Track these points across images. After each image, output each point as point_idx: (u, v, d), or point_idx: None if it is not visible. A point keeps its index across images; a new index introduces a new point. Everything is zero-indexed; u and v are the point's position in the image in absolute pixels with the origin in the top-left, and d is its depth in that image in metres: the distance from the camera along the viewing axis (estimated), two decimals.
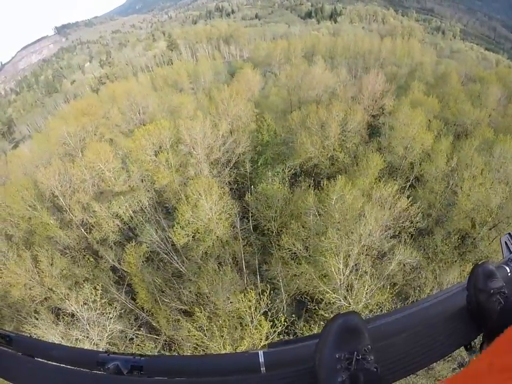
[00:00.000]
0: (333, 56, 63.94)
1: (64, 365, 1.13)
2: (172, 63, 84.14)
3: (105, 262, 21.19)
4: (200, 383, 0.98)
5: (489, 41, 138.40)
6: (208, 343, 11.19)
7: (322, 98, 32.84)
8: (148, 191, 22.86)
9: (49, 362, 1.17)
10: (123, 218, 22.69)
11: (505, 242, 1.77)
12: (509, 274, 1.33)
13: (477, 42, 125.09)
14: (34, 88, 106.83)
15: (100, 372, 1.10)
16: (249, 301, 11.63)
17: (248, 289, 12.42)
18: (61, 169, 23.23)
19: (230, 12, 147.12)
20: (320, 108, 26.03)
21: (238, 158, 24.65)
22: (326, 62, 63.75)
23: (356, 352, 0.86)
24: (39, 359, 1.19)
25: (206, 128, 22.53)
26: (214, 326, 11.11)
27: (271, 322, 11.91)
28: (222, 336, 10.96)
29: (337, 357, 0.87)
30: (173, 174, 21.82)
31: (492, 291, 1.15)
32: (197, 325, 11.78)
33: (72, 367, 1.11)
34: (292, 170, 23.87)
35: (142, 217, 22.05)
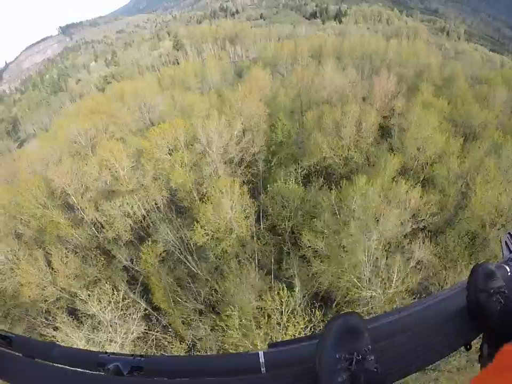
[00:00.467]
0: (339, 57, 64.01)
1: (64, 366, 1.13)
2: (178, 63, 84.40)
3: (118, 262, 21.21)
4: None
5: (494, 42, 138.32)
6: (237, 342, 11.23)
7: (334, 99, 32.82)
8: (162, 189, 22.88)
9: (49, 363, 1.17)
10: (136, 217, 22.73)
11: (506, 241, 1.75)
12: (509, 274, 1.33)
13: (481, 43, 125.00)
14: (40, 87, 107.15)
15: (100, 373, 1.10)
16: (278, 299, 11.71)
17: (274, 288, 12.47)
18: (72, 167, 23.22)
19: (235, 12, 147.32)
20: (334, 108, 26.09)
21: (252, 157, 24.66)
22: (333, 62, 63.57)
23: (356, 353, 0.87)
24: (39, 360, 1.19)
25: (221, 127, 22.53)
26: (243, 324, 11.15)
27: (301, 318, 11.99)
28: (255, 334, 11.01)
29: (337, 357, 0.87)
30: (188, 173, 21.86)
31: (492, 291, 1.15)
32: (227, 323, 11.82)
33: (72, 368, 1.11)
34: (305, 170, 23.90)
35: (156, 216, 22.09)
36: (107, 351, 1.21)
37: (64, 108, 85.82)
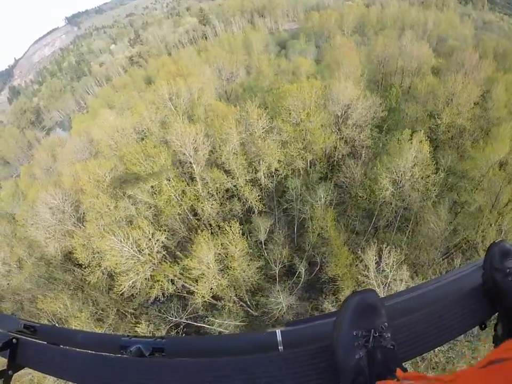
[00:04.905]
0: (382, 28, 63.02)
1: (88, 351, 1.17)
2: (206, 38, 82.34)
3: None
4: (219, 362, 0.99)
5: None
6: None
7: (419, 69, 32.89)
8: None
9: (73, 349, 1.22)
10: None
11: None
12: None
13: (504, 12, 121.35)
14: (58, 75, 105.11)
15: (122, 356, 1.14)
16: None
17: None
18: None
19: None
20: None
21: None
22: (376, 34, 62.78)
23: (373, 330, 0.88)
24: (63, 347, 1.24)
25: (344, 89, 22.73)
26: None
27: None
28: None
29: (354, 334, 0.89)
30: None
31: (508, 270, 1.12)
32: None
33: (95, 353, 1.14)
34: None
35: None
36: (129, 334, 1.27)
37: (92, 91, 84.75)
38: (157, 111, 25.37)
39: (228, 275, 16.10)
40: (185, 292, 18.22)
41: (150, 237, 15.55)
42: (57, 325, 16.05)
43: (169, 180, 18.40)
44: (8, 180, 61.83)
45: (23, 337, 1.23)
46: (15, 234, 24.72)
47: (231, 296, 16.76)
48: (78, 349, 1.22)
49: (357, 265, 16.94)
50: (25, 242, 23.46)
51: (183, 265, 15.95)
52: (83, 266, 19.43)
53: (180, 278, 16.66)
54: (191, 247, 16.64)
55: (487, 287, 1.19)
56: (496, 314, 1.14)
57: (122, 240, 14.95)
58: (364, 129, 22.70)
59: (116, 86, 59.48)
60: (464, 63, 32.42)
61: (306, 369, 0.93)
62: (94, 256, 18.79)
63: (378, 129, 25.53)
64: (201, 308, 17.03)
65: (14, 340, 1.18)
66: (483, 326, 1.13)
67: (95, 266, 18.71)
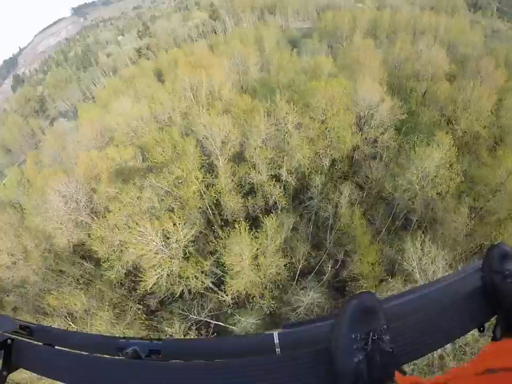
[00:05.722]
0: (394, 31, 63.10)
1: (84, 352, 1.15)
2: (216, 33, 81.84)
3: None
4: (216, 365, 0.99)
5: None
6: None
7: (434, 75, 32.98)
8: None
9: (69, 350, 1.20)
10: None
11: None
12: None
13: None
14: (64, 65, 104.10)
15: (119, 357, 1.13)
16: None
17: None
18: None
19: None
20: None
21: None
22: (388, 37, 62.84)
23: (371, 333, 0.87)
24: (59, 348, 1.22)
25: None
26: None
27: None
28: None
29: (353, 337, 0.88)
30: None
31: (507, 272, 1.12)
32: None
33: (91, 354, 1.14)
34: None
35: None
36: (125, 336, 1.26)
37: (99, 81, 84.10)
38: (179, 101, 25.11)
39: (259, 271, 15.82)
40: (210, 290, 17.79)
41: (180, 230, 15.16)
42: (72, 325, 15.44)
43: (199, 171, 18.11)
44: (11, 168, 61.07)
45: (19, 338, 1.23)
46: (22, 223, 23.45)
47: (262, 294, 16.46)
48: (74, 350, 1.20)
49: (380, 263, 17.04)
50: (32, 232, 22.33)
51: (214, 260, 15.69)
52: (102, 261, 18.48)
53: (207, 275, 16.37)
54: (214, 241, 16.46)
55: (485, 290, 1.18)
56: (495, 316, 1.13)
57: (151, 232, 14.48)
58: (386, 131, 22.71)
59: (124, 77, 58.96)
60: (479, 71, 32.79)
61: (304, 372, 0.92)
62: (114, 250, 18.00)
63: (397, 132, 25.63)
64: (229, 305, 16.65)
65: (9, 341, 1.17)
66: (482, 328, 1.13)
67: (114, 261, 17.90)
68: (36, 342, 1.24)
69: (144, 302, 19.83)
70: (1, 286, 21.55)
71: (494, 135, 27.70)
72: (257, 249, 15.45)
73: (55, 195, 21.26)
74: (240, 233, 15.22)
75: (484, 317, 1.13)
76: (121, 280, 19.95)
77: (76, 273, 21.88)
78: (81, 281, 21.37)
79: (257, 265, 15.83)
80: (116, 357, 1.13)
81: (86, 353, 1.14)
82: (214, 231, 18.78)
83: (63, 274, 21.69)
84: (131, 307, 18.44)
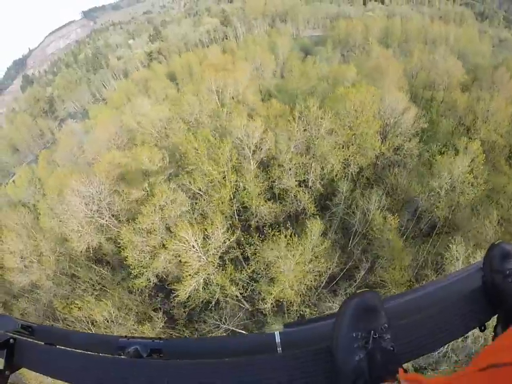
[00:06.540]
0: (406, 40, 63.77)
1: (85, 352, 1.16)
2: (227, 38, 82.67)
3: None
4: (217, 364, 0.99)
5: None
6: None
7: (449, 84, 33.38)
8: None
9: (71, 349, 1.21)
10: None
11: None
12: None
13: None
14: (74, 67, 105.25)
15: (120, 357, 1.14)
16: None
17: None
18: None
19: None
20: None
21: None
22: (399, 46, 63.25)
23: (372, 331, 0.87)
24: (60, 347, 1.22)
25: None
26: None
27: None
28: None
29: (354, 336, 0.88)
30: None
31: (507, 272, 1.12)
32: None
33: (93, 353, 1.14)
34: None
35: None
36: (126, 335, 1.25)
37: (110, 84, 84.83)
38: (205, 103, 24.90)
39: (297, 277, 15.44)
40: (248, 297, 17.09)
41: (220, 235, 14.89)
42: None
43: (232, 174, 17.93)
44: (20, 167, 61.15)
45: (21, 337, 1.24)
46: (35, 225, 22.49)
47: (303, 300, 16.20)
48: (75, 350, 1.21)
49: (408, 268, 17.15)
50: (46, 234, 21.47)
51: (251, 267, 15.39)
52: (131, 267, 17.34)
53: (245, 282, 15.94)
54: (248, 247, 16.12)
55: (486, 289, 1.19)
56: (496, 316, 1.13)
57: (191, 238, 14.04)
58: (411, 139, 23.00)
59: (135, 80, 59.50)
60: (494, 81, 33.26)
61: (305, 370, 0.93)
62: (144, 256, 17.18)
63: (418, 140, 25.94)
64: (269, 312, 16.18)
65: (11, 340, 1.18)
66: (483, 327, 1.14)
67: (144, 268, 17.07)
68: (37, 342, 1.26)
69: (172, 311, 18.85)
70: (11, 290, 20.62)
71: (510, 145, 28.07)
72: (294, 255, 15.18)
73: (75, 196, 20.11)
74: (279, 238, 15.11)
75: (485, 316, 1.14)
76: (150, 288, 18.86)
77: (93, 279, 20.85)
78: (97, 288, 20.40)
79: (299, 272, 15.59)
80: (117, 356, 1.14)
81: (87, 352, 1.15)
82: (245, 237, 18.59)
83: (78, 280, 20.65)
84: (158, 317, 17.53)
